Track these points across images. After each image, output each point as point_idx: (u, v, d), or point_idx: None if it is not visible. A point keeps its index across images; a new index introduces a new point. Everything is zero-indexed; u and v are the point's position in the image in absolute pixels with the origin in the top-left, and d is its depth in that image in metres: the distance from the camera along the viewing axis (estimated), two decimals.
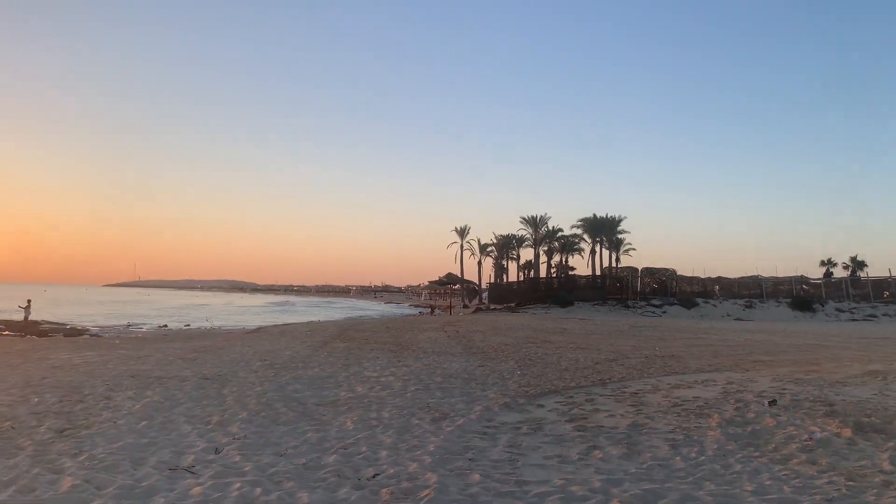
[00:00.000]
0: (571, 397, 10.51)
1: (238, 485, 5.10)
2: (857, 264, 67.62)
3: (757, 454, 6.96)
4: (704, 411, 9.39)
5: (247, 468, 5.63)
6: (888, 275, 59.89)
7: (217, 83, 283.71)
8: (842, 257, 68.36)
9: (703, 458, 6.73)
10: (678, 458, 6.71)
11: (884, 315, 51.69)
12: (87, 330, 33.78)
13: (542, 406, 9.63)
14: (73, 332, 31.42)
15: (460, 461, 6.18)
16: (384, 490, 5.11)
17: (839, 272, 67.22)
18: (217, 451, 6.20)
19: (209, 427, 7.33)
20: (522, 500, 5.03)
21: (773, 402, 10.09)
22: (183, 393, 9.68)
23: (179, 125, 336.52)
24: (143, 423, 7.35)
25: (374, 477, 5.53)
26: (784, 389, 11.56)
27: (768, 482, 5.82)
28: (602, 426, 8.23)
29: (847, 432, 7.93)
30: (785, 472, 6.16)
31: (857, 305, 55.31)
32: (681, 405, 9.90)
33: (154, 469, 5.49)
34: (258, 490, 4.98)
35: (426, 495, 4.98)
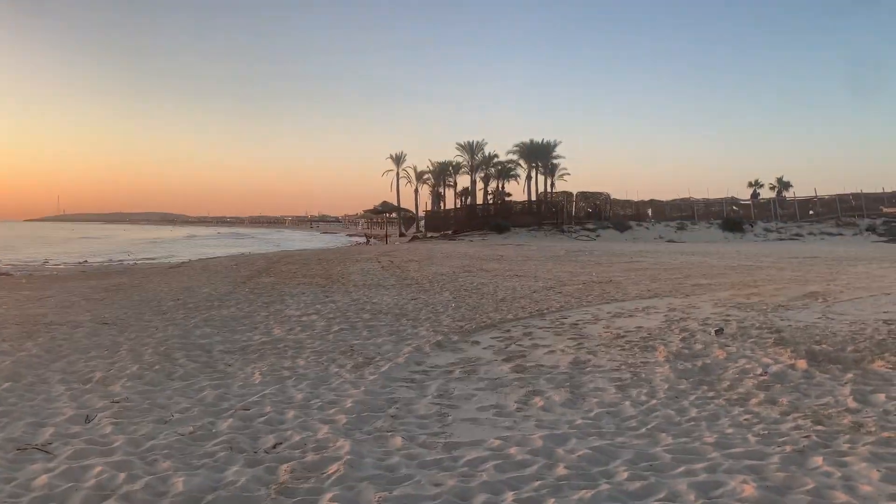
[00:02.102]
0: (509, 331, 9.76)
1: (98, 469, 4.08)
2: (783, 185, 69.11)
3: (712, 394, 6.31)
4: (649, 343, 8.77)
5: (117, 443, 4.60)
6: (813, 194, 61.51)
7: (148, 11, 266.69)
8: (769, 178, 69.67)
9: (654, 401, 6.03)
10: (627, 402, 6.00)
11: (809, 234, 53.19)
12: None
13: (477, 343, 8.84)
14: None
15: (381, 420, 5.30)
16: (283, 467, 4.18)
17: (766, 193, 68.66)
18: (87, 420, 5.15)
19: (87, 387, 6.23)
20: (451, 471, 4.18)
21: (719, 331, 9.57)
22: (71, 342, 8.48)
23: (102, 45, 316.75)
24: (6, 384, 6.18)
25: (274, 447, 4.60)
26: (728, 316, 11.10)
27: (730, 430, 5.15)
28: (542, 365, 7.49)
29: (802, 364, 7.40)
30: (746, 417, 5.50)
31: (784, 225, 56.78)
32: (623, 336, 9.27)
33: None
34: (122, 475, 3.98)
35: (334, 472, 4.08)
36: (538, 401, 5.96)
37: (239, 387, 6.33)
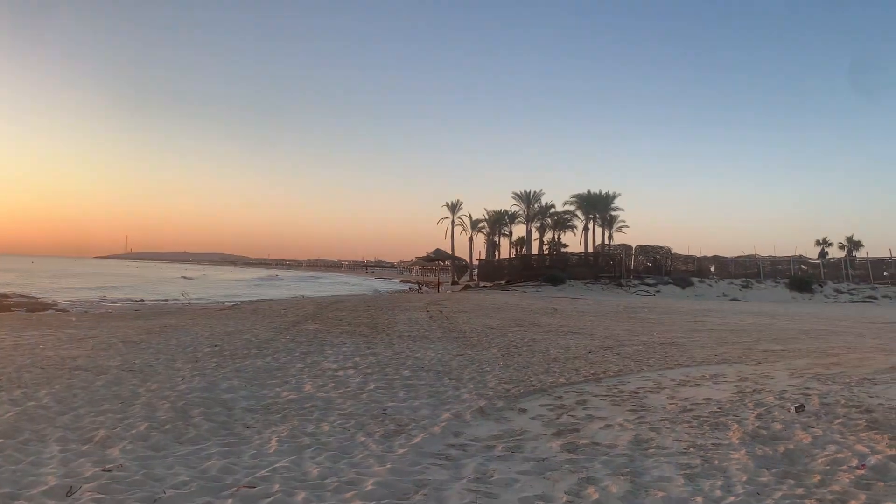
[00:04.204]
0: (560, 398, 8.85)
1: None
2: (854, 244, 66.29)
3: (800, 491, 5.29)
4: (721, 420, 7.74)
5: None
6: (888, 255, 58.54)
7: (208, 58, 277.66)
8: (838, 237, 67.01)
9: (731, 497, 5.06)
10: (699, 498, 5.03)
11: (884, 297, 50.39)
12: (56, 304, 31.83)
13: (524, 411, 7.96)
14: (39, 307, 29.54)
15: None
16: None
17: (835, 252, 65.96)
18: (69, 494, 4.49)
19: (85, 448, 5.60)
20: None
21: (800, 408, 8.45)
22: (87, 392, 7.94)
23: (172, 97, 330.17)
24: None
25: None
26: (808, 389, 9.93)
27: None
28: (597, 443, 6.56)
29: None
30: None
31: (856, 286, 54.05)
32: (690, 410, 8.25)
33: None
34: None
35: None
36: (592, 492, 5.06)
37: (251, 456, 5.60)
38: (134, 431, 6.16)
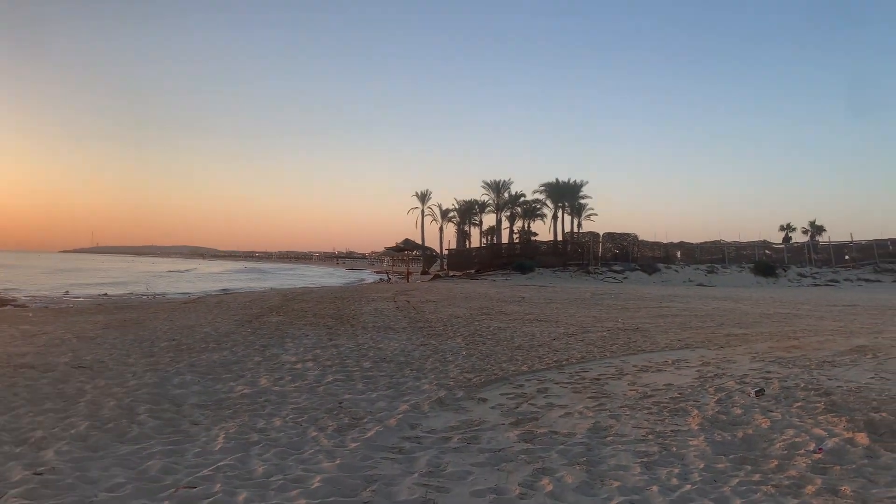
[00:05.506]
0: (521, 386, 8.74)
1: None
2: (816, 229, 67.35)
3: (757, 477, 5.23)
4: (680, 405, 7.69)
5: None
6: (849, 239, 59.61)
7: (178, 49, 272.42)
8: (801, 222, 68.05)
9: (687, 485, 4.98)
10: (655, 486, 4.94)
11: (845, 280, 51.28)
12: (15, 300, 30.95)
13: (484, 401, 7.83)
14: None
15: None
16: None
17: (798, 237, 66.97)
18: None
19: (18, 451, 5.33)
20: None
21: (760, 392, 8.44)
22: (30, 390, 7.62)
23: (140, 89, 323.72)
24: None
25: None
26: (769, 373, 9.95)
27: None
28: (556, 432, 6.45)
29: (862, 438, 6.27)
30: None
31: (818, 270, 54.94)
32: (651, 396, 8.20)
33: None
34: None
35: None
36: (546, 483, 4.94)
37: (194, 455, 5.38)
38: (73, 431, 5.89)
